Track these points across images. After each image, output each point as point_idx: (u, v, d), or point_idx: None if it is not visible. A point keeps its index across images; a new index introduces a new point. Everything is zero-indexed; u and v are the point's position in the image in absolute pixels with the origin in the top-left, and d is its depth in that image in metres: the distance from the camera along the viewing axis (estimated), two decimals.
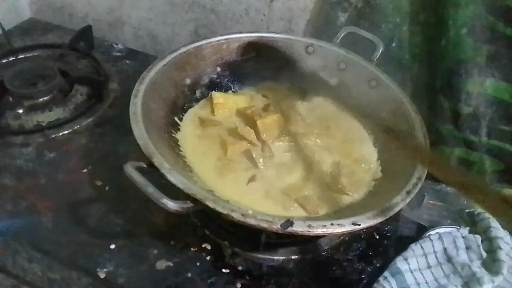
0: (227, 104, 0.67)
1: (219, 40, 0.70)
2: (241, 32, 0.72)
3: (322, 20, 0.77)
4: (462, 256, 0.57)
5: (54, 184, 0.63)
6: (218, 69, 0.71)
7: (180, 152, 0.59)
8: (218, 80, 0.71)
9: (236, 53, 0.71)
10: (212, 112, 0.67)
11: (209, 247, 0.57)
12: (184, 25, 0.90)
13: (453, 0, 0.65)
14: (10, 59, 0.82)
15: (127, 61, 0.86)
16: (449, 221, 0.66)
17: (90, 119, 0.72)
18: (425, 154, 0.55)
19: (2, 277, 0.60)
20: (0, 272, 0.60)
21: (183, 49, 0.66)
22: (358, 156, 0.62)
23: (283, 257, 0.56)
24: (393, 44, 0.72)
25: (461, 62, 0.68)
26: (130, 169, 0.45)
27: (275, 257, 0.56)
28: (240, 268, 0.55)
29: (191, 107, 0.67)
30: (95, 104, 0.75)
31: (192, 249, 0.56)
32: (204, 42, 0.68)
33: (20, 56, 0.83)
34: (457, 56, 0.68)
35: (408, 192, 0.49)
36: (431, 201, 0.70)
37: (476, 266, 0.56)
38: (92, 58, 0.84)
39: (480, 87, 0.68)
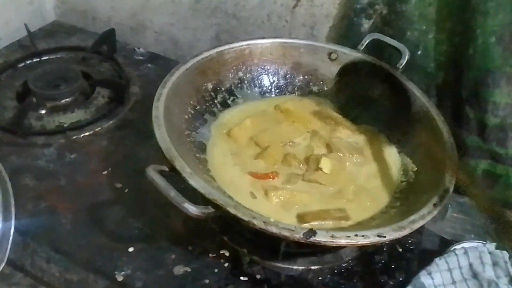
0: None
1: (241, 46, 0.69)
2: (263, 38, 0.71)
3: (346, 27, 0.76)
4: (489, 273, 0.55)
5: (74, 185, 0.63)
6: (240, 74, 0.70)
7: (200, 156, 0.59)
8: (239, 85, 0.70)
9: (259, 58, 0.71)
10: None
11: (227, 254, 0.56)
12: (205, 30, 0.91)
13: (482, 8, 0.64)
14: (34, 60, 0.84)
15: (149, 65, 0.87)
16: (472, 235, 0.64)
17: (111, 122, 0.72)
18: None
19: (20, 277, 0.60)
20: (19, 271, 0.60)
21: (205, 54, 0.66)
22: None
23: (303, 267, 0.55)
24: (419, 52, 0.71)
25: (489, 71, 0.66)
26: (152, 173, 0.45)
27: (294, 267, 0.55)
28: (258, 276, 0.54)
29: (211, 112, 0.67)
30: (116, 107, 0.75)
31: (210, 255, 0.55)
32: (226, 47, 0.68)
33: (44, 58, 0.84)
34: (485, 65, 0.66)
35: (435, 205, 0.48)
36: (454, 214, 0.68)
37: (503, 284, 0.53)
38: (114, 61, 0.84)
39: (508, 97, 0.66)
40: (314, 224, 0.52)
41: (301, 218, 0.53)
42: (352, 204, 0.55)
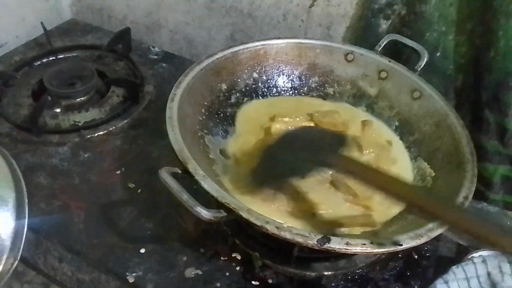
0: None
1: (256, 46, 0.68)
2: (279, 38, 0.70)
3: (363, 27, 0.75)
4: (508, 283, 0.53)
5: (88, 184, 0.63)
6: (255, 74, 0.69)
7: (214, 158, 0.58)
8: (253, 86, 0.69)
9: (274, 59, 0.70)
10: None
11: (239, 257, 0.55)
12: (220, 30, 0.90)
13: (504, 10, 0.62)
14: (50, 58, 0.84)
15: (163, 64, 0.86)
16: None
17: (125, 121, 0.72)
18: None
19: (33, 275, 0.61)
20: (32, 269, 0.60)
21: (220, 54, 0.65)
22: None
23: (315, 273, 0.54)
24: (438, 54, 0.69)
25: (510, 74, 0.64)
26: (165, 175, 0.44)
27: (307, 272, 0.54)
28: (270, 281, 0.53)
29: (225, 112, 0.66)
30: (130, 106, 0.75)
31: (221, 258, 0.55)
32: (241, 47, 0.67)
33: (60, 56, 0.85)
34: (506, 68, 0.64)
35: None
36: None
37: None
38: (129, 60, 0.84)
39: None
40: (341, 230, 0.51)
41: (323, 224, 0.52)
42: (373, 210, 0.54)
